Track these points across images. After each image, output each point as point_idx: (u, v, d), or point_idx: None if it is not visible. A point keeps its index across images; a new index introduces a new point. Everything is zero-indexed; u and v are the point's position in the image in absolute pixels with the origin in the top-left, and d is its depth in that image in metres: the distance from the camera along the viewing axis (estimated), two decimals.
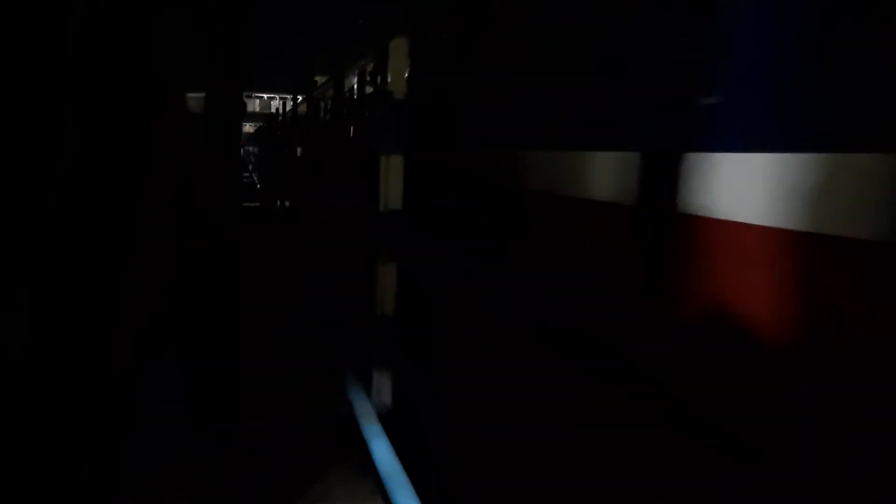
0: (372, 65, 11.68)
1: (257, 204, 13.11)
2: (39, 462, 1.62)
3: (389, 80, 3.03)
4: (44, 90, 1.60)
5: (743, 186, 1.97)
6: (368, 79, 11.72)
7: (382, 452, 2.66)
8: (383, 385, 3.12)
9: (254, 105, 42.92)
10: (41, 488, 1.61)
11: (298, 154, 11.95)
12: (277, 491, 2.45)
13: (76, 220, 1.68)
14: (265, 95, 43.28)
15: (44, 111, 1.61)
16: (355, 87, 12.03)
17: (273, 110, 21.12)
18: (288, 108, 13.41)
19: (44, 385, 1.62)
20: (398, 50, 3.03)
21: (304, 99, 11.72)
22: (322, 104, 13.42)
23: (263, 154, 18.28)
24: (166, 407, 2.57)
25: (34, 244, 1.61)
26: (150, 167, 1.97)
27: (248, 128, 32.46)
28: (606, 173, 2.73)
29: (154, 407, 2.38)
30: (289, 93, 13.09)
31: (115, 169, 1.79)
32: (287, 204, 11.84)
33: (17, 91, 1.55)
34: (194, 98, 2.75)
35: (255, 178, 20.42)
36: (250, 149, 29.26)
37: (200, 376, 2.73)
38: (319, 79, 15.91)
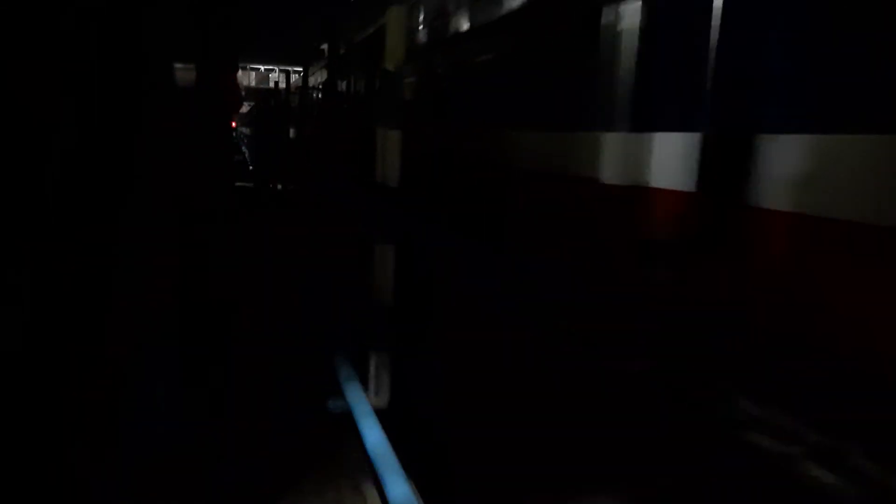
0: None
1: (250, 184, 13.54)
2: (37, 450, 1.73)
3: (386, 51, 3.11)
4: (42, 85, 1.70)
5: None
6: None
7: (373, 435, 2.86)
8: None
9: (249, 79, 42.36)
10: (39, 477, 1.73)
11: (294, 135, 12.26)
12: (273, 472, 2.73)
13: (73, 214, 1.78)
14: (262, 67, 42.61)
15: (42, 106, 1.70)
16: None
17: (272, 84, 21.28)
18: (288, 82, 13.62)
19: (42, 376, 1.73)
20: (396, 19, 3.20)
21: (303, 73, 12.00)
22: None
23: (257, 136, 18.51)
24: (163, 393, 2.69)
25: (32, 237, 1.70)
26: (146, 159, 2.07)
27: (242, 107, 32.50)
28: None
29: (151, 394, 2.49)
30: (291, 64, 13.29)
31: (112, 161, 1.90)
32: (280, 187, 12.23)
33: (16, 87, 1.64)
34: (183, 70, 2.88)
35: (248, 159, 20.82)
36: (243, 130, 29.49)
37: (195, 361, 2.88)
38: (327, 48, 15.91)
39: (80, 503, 1.87)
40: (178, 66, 2.77)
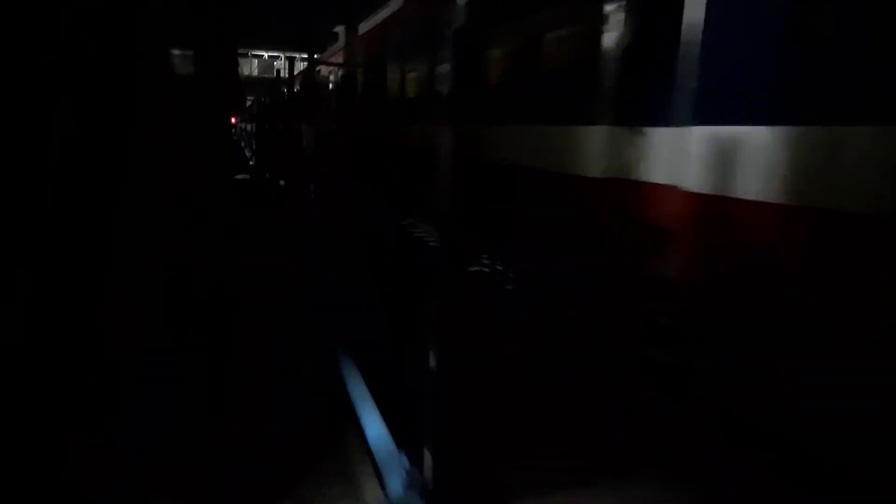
0: None
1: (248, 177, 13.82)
2: (33, 443, 1.84)
3: None
4: (41, 81, 1.79)
5: None
6: None
7: (375, 428, 3.07)
8: None
9: (251, 67, 41.96)
10: (35, 470, 1.84)
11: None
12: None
13: (71, 210, 1.88)
14: (266, 54, 41.96)
15: (41, 102, 1.80)
16: None
17: (277, 73, 21.18)
18: (312, 68, 13.40)
19: (39, 371, 1.83)
20: None
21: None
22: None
23: (259, 131, 18.56)
24: (161, 389, 2.77)
25: (30, 234, 1.79)
26: (144, 155, 2.18)
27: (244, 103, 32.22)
28: None
29: (149, 389, 2.57)
30: (298, 49, 13.14)
31: (110, 157, 2.00)
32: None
33: (15, 83, 1.73)
34: (182, 66, 3.00)
35: (248, 155, 21.01)
36: (243, 126, 29.61)
37: (194, 357, 3.04)
38: (341, 29, 15.64)
39: (78, 499, 1.95)
40: (176, 62, 2.87)
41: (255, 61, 42.27)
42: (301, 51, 13.15)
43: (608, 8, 4.50)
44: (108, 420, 2.11)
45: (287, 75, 11.72)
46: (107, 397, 2.09)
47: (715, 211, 3.49)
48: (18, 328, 1.79)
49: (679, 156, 3.76)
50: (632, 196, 4.17)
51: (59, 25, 1.84)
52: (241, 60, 37.40)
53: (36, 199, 1.81)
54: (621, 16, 4.37)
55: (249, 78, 36.84)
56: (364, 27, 13.22)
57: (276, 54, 40.21)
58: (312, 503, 2.67)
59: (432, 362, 2.48)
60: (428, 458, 2.47)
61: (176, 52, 2.91)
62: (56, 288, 1.86)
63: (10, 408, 1.80)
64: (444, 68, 2.35)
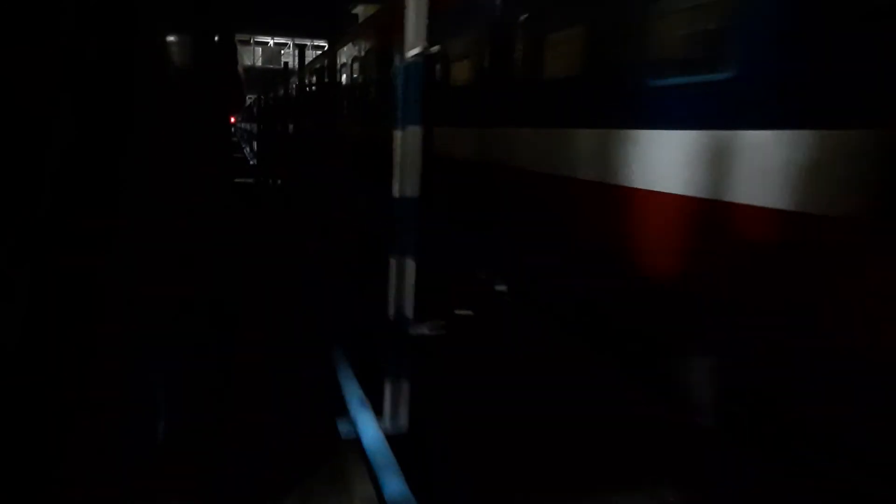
0: None
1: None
2: (31, 448, 1.90)
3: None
4: (38, 79, 1.85)
5: None
6: None
7: (370, 433, 3.27)
8: None
9: (255, 56, 41.26)
10: (33, 474, 1.90)
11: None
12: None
13: (69, 209, 1.93)
14: (271, 41, 40.88)
15: (40, 99, 1.86)
16: None
17: (284, 63, 20.92)
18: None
19: (36, 375, 1.88)
20: None
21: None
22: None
23: (260, 130, 18.47)
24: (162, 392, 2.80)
25: (29, 234, 1.85)
26: (143, 154, 2.26)
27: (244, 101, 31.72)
28: None
29: (149, 393, 2.63)
30: (311, 35, 12.61)
31: (108, 156, 2.06)
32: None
33: (13, 80, 1.79)
34: (181, 63, 3.00)
35: (248, 155, 21.19)
36: (242, 125, 29.85)
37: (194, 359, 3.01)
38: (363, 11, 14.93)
39: (76, 501, 2.01)
40: (175, 59, 2.92)
41: (259, 49, 41.57)
42: (313, 36, 12.67)
43: None
44: (109, 421, 2.14)
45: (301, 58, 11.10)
46: (108, 401, 2.13)
47: None
48: (16, 329, 1.83)
49: None
50: None
51: (58, 22, 1.89)
52: (242, 49, 36.70)
53: (34, 197, 1.86)
54: None
55: (252, 68, 36.24)
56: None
57: (283, 41, 39.43)
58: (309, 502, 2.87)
59: None
60: None
61: (171, 41, 2.93)
62: (56, 287, 1.90)
63: (9, 409, 1.84)
64: None
